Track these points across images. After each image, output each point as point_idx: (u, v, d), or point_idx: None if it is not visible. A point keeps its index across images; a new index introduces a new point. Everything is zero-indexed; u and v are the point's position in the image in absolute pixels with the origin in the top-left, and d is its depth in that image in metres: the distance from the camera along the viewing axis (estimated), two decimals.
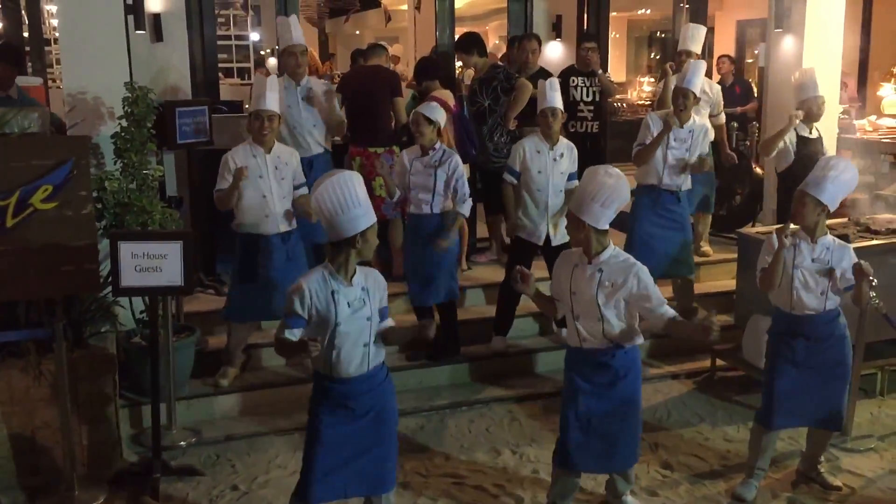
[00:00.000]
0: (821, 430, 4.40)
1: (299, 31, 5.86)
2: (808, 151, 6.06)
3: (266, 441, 4.97)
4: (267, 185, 5.01)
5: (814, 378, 4.23)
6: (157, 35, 6.23)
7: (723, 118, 6.85)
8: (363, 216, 3.36)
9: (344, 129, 6.10)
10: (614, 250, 3.79)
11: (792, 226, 4.16)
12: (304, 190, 5.08)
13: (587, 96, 7.62)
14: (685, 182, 5.89)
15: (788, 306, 4.22)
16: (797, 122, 5.98)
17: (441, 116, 5.35)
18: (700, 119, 5.95)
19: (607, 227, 3.74)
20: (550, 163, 5.52)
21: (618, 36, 17.06)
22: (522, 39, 7.26)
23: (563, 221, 5.50)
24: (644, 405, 5.40)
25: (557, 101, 5.48)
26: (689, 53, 6.47)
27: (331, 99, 5.95)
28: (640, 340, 3.87)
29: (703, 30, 6.83)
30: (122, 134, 5.09)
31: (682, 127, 5.72)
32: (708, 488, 4.47)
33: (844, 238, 5.41)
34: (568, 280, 3.81)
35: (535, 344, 6.06)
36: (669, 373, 5.94)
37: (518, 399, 5.54)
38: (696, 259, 6.88)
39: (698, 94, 5.81)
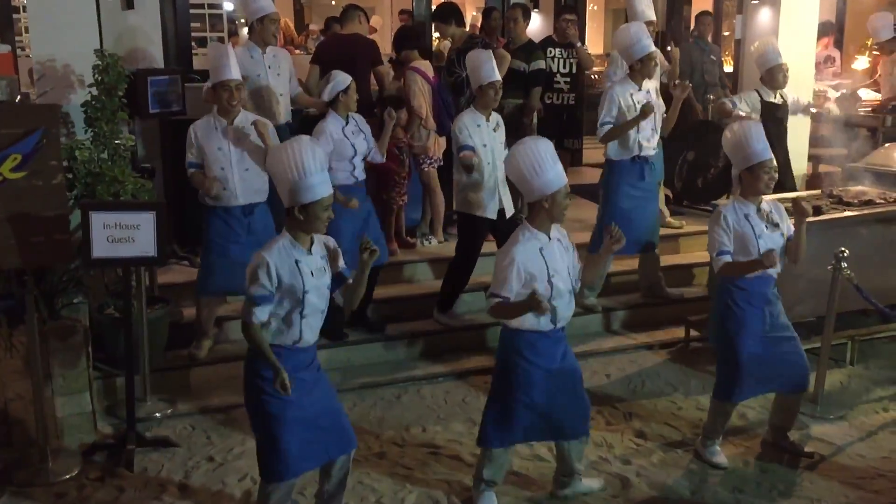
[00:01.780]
0: (790, 395, 4.43)
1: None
2: (774, 117, 6.16)
3: (241, 412, 4.85)
4: (226, 157, 4.90)
5: (779, 344, 4.27)
6: (128, 2, 6.12)
7: None
8: (316, 186, 3.23)
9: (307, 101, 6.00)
10: None
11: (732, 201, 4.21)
12: None
13: (564, 68, 7.62)
14: (656, 144, 5.90)
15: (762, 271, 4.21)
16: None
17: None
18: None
19: None
20: (491, 134, 5.46)
21: (595, 8, 17.00)
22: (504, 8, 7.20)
23: (508, 193, 5.57)
24: (618, 375, 5.53)
25: (497, 75, 5.41)
26: (650, 24, 6.45)
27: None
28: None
29: None
30: (93, 102, 5.01)
31: (641, 89, 5.74)
32: (681, 457, 4.52)
33: (818, 210, 5.48)
34: (543, 263, 3.66)
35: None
36: (644, 343, 5.99)
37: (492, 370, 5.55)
38: (671, 231, 6.92)
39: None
